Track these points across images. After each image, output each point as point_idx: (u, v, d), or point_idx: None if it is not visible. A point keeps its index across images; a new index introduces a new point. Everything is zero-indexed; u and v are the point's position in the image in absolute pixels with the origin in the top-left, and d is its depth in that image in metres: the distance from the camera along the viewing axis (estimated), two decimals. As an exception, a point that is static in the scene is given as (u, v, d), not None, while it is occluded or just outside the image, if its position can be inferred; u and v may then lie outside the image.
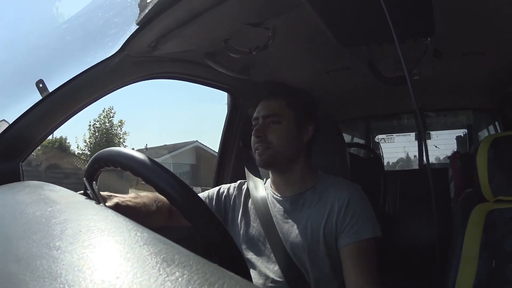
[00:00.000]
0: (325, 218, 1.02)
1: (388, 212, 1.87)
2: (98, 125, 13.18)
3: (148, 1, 0.93)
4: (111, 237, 0.39)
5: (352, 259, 0.97)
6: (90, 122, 13.16)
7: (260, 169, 1.26)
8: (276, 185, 1.13)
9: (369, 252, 0.98)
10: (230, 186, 1.21)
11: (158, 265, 0.31)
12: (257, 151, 1.06)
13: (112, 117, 13.37)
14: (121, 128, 13.51)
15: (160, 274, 0.30)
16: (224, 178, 1.66)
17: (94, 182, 0.65)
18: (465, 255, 0.99)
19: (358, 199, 1.02)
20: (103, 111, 13.10)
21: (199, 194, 1.13)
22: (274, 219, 1.06)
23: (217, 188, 1.21)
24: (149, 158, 0.59)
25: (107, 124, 13.25)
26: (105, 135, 12.97)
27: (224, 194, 1.18)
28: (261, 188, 1.15)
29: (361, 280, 0.95)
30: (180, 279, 0.29)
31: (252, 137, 1.08)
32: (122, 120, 13.59)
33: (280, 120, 1.06)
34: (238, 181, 1.22)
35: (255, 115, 1.10)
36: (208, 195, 1.19)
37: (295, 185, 1.09)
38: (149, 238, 0.37)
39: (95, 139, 12.91)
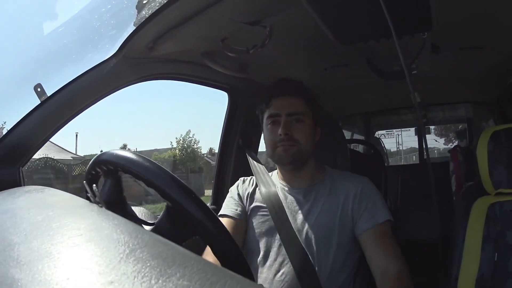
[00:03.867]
0: (340, 208, 1.05)
1: (390, 207, 1.87)
2: (182, 143, 17.83)
3: (144, 2, 0.93)
4: (111, 239, 0.39)
5: (375, 243, 1.01)
6: (173, 141, 18.09)
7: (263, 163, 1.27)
8: (287, 179, 1.15)
9: (388, 233, 1.03)
10: (235, 186, 1.21)
11: (160, 266, 0.31)
12: (280, 148, 1.07)
13: (192, 137, 18.09)
14: (196, 144, 18.20)
15: (161, 275, 0.30)
16: (226, 176, 1.66)
17: (94, 185, 0.64)
18: (467, 249, 0.99)
19: (370, 187, 1.09)
20: (187, 133, 18.04)
21: (222, 212, 1.14)
22: (287, 210, 1.07)
23: (228, 196, 1.20)
24: (149, 160, 0.58)
25: (186, 144, 17.80)
26: (190, 149, 17.68)
27: (236, 196, 1.17)
28: (270, 182, 1.15)
29: (387, 260, 0.97)
30: (181, 280, 0.29)
31: (272, 133, 1.09)
32: (196, 139, 18.28)
33: (303, 118, 1.08)
34: (240, 178, 1.23)
35: (273, 111, 1.10)
36: (229, 206, 1.16)
37: (306, 178, 1.12)
38: (150, 240, 0.37)
39: (183, 154, 17.41)
